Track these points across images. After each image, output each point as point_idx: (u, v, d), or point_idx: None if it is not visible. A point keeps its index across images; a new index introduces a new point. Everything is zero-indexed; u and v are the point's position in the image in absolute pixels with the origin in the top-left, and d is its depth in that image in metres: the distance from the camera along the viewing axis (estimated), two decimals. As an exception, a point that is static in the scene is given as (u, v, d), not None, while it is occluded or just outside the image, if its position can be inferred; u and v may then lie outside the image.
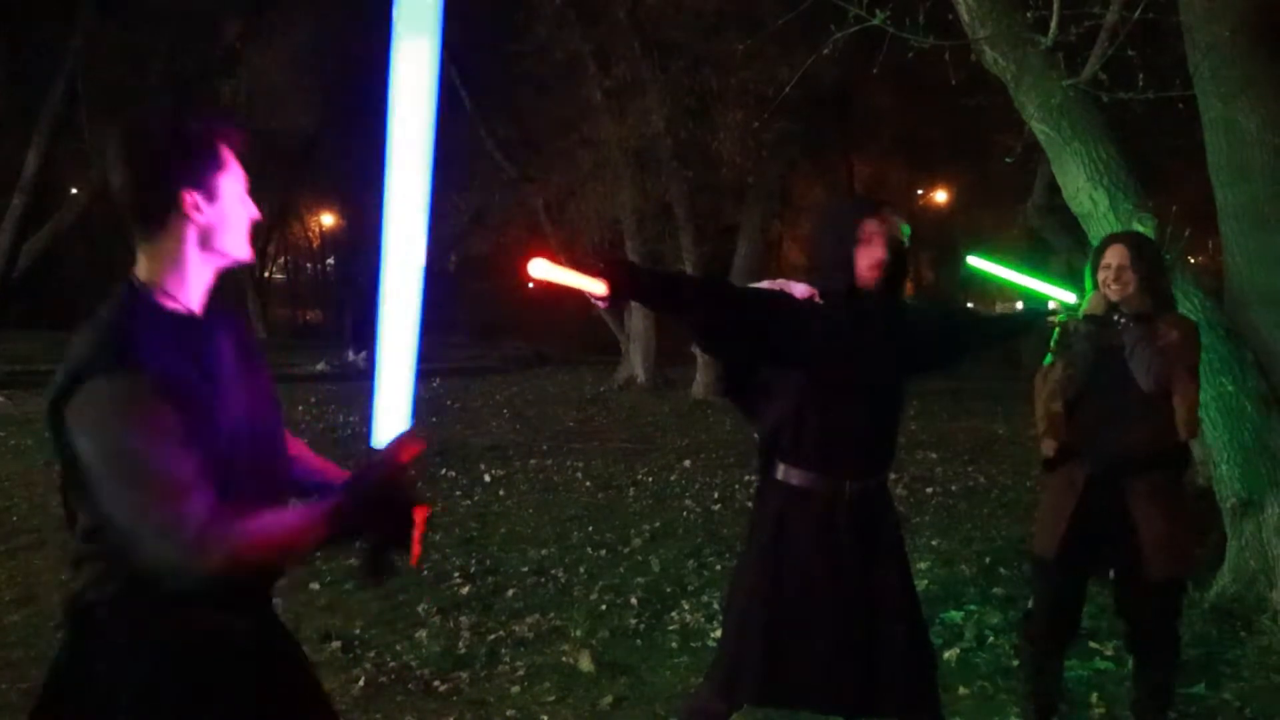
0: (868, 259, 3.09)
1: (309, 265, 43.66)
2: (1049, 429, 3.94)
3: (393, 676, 4.69)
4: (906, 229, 3.16)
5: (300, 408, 13.91)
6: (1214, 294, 5.72)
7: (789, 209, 26.92)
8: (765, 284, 3.26)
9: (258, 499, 1.96)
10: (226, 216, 1.99)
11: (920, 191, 32.75)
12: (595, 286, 2.75)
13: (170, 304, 1.97)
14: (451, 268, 20.60)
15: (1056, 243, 10.59)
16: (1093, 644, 4.97)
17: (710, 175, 14.04)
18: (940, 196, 31.35)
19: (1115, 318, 3.73)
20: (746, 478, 9.29)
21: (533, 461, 10.12)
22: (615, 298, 2.80)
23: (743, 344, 3.16)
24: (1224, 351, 5.34)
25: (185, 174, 1.94)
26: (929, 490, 8.85)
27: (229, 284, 2.12)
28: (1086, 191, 5.45)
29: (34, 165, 17.86)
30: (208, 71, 18.48)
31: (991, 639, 5.12)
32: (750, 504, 3.48)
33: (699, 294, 3.17)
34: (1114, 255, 3.81)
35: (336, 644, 5.06)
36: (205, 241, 1.99)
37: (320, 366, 21.54)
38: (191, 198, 1.95)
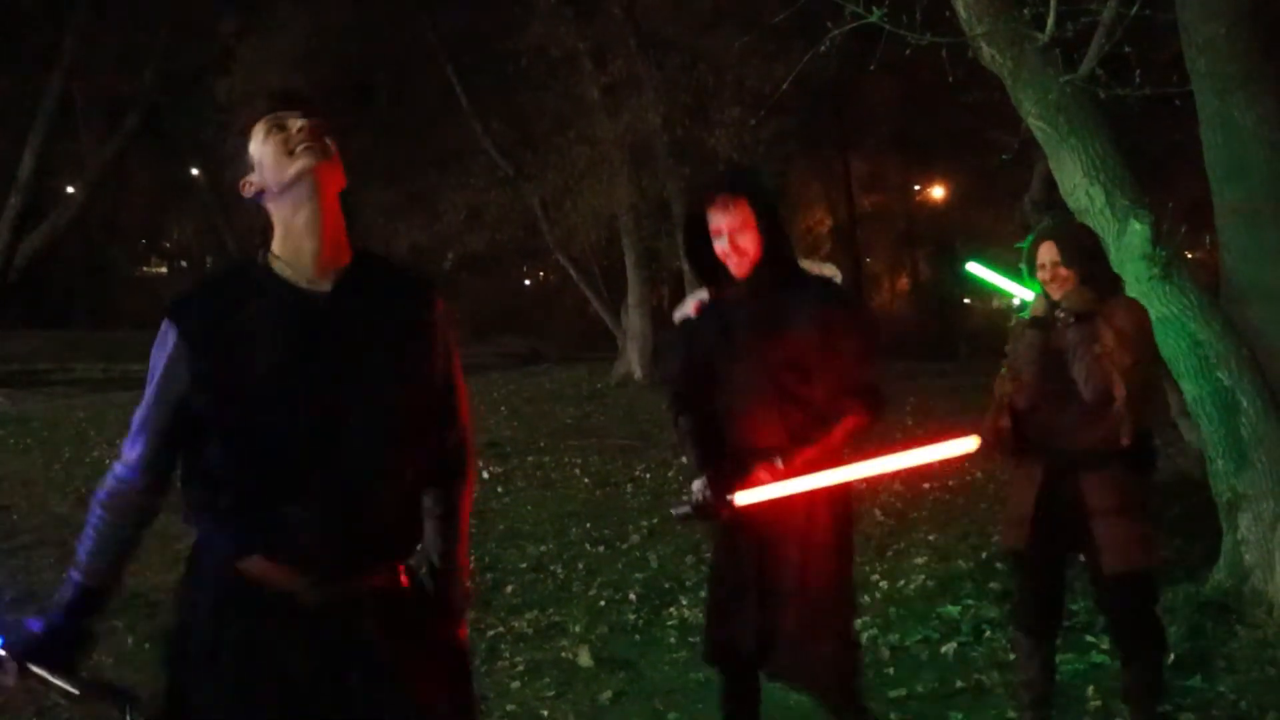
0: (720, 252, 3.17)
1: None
2: (996, 441, 3.96)
3: (392, 672, 4.70)
4: (758, 197, 3.15)
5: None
6: (1210, 289, 5.74)
7: (786, 206, 26.93)
8: (676, 314, 3.39)
9: (294, 501, 2.03)
10: (268, 179, 2.08)
11: (918, 188, 32.82)
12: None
13: (285, 272, 2.09)
14: (448, 266, 20.59)
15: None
16: (1089, 637, 4.98)
17: (707, 172, 14.05)
18: (937, 193, 31.40)
19: (1057, 314, 3.76)
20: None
21: (530, 458, 10.14)
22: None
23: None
24: (1219, 347, 5.35)
25: (234, 165, 2.11)
26: (925, 486, 8.86)
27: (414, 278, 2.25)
28: (1083, 187, 5.46)
29: (29, 165, 17.91)
30: (203, 71, 18.49)
31: (988, 633, 5.13)
32: None
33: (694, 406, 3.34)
34: (1045, 253, 3.82)
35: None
36: (276, 210, 2.10)
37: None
38: (243, 181, 2.10)
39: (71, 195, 19.50)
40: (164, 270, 44.59)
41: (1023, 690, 4.09)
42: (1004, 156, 7.13)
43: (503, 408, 14.24)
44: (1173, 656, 4.69)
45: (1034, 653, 4.02)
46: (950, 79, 6.17)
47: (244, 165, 2.10)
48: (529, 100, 16.24)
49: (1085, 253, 3.85)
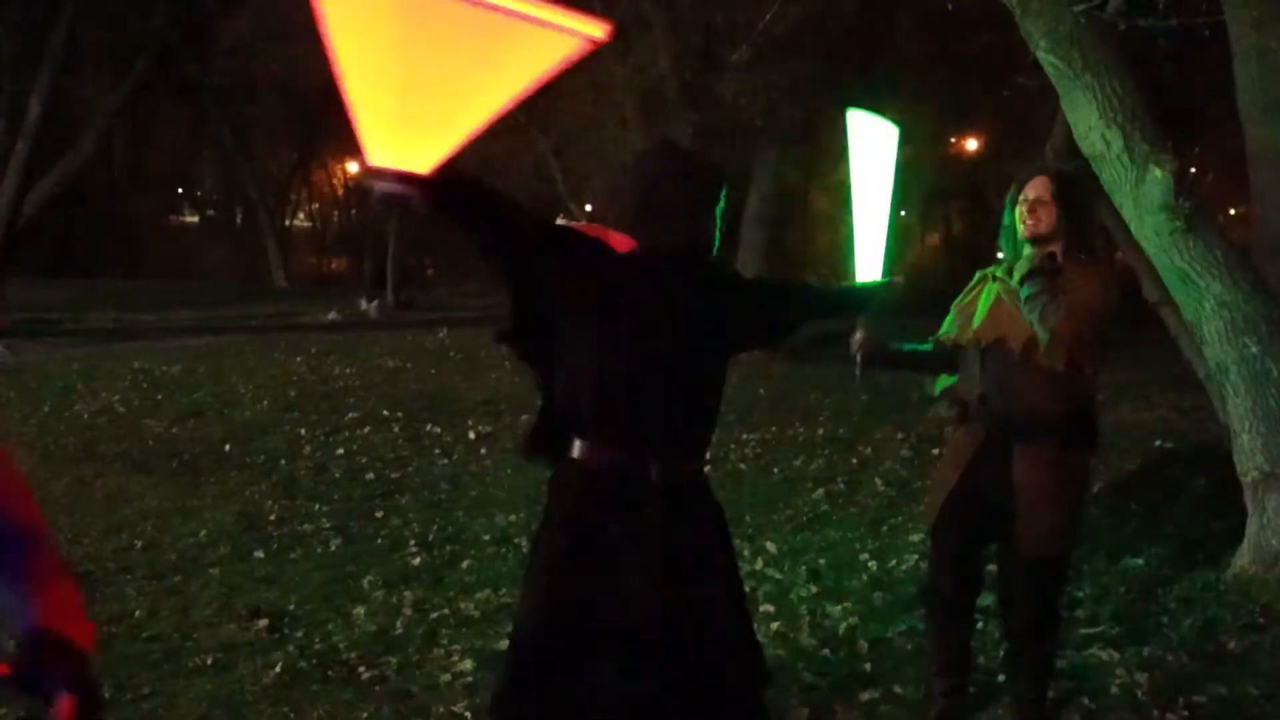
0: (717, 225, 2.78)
1: (335, 213, 43.34)
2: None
3: (315, 661, 4.28)
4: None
5: (299, 358, 13.54)
6: (1242, 246, 5.22)
7: (818, 157, 26.17)
8: (580, 226, 2.82)
9: None
10: None
11: (952, 140, 31.97)
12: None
13: None
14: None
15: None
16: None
17: (718, 118, 13.49)
18: (971, 145, 30.56)
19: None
20: (744, 436, 8.84)
21: (524, 417, 9.63)
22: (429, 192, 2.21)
23: (530, 272, 2.64)
24: (1248, 309, 4.82)
25: None
26: (934, 451, 8.32)
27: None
28: (1099, 130, 4.91)
29: (36, 110, 17.55)
30: (212, 13, 18.07)
31: (982, 624, 4.63)
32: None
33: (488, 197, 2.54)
34: (1034, 188, 3.58)
35: (263, 622, 4.66)
36: None
37: (332, 315, 21.24)
38: None
39: (81, 143, 19.09)
40: (195, 219, 44.43)
41: (933, 679, 3.82)
42: (1006, 93, 6.53)
43: (507, 362, 13.74)
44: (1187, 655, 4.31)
45: (946, 638, 3.79)
46: (950, 9, 5.62)
47: None
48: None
49: (1076, 204, 3.60)
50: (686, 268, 2.69)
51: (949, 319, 3.76)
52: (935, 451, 8.33)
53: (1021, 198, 3.58)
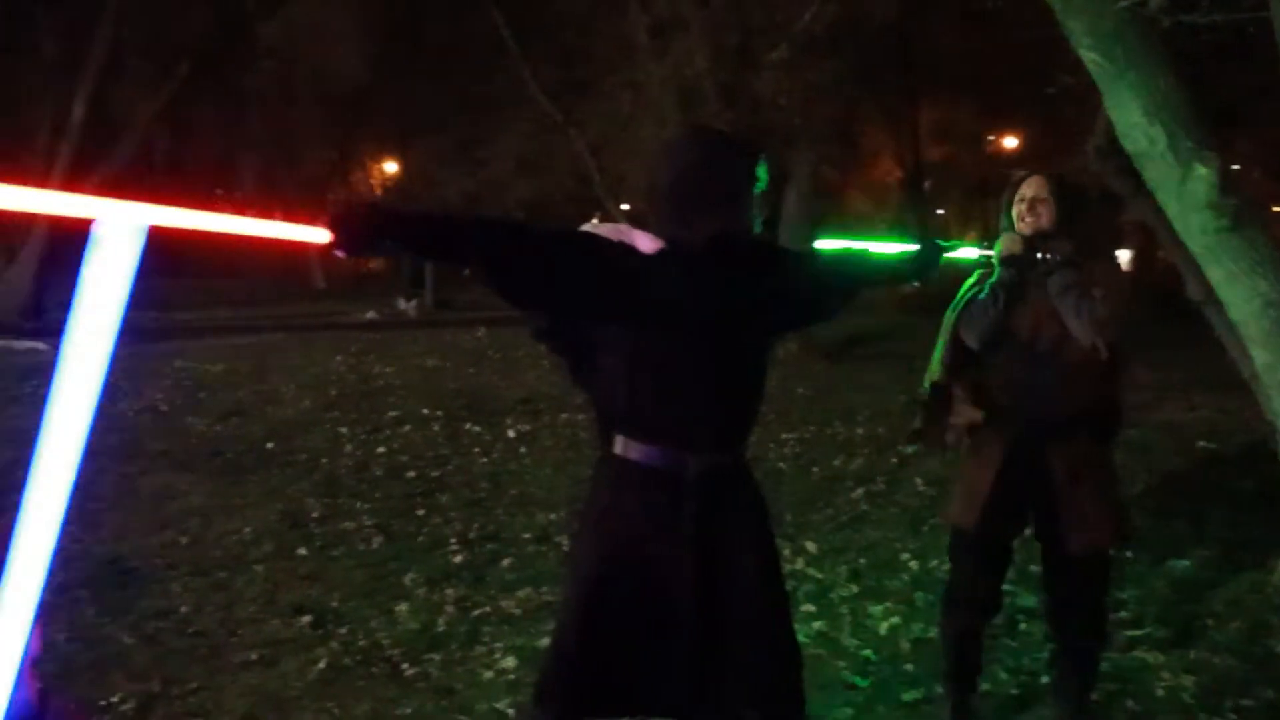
0: (758, 208, 2.68)
1: (372, 213, 43.55)
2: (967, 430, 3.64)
3: (358, 658, 4.32)
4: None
5: (339, 357, 13.64)
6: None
7: (856, 155, 26.07)
8: (605, 229, 2.69)
9: None
10: None
11: (991, 138, 31.77)
12: (317, 236, 2.17)
13: None
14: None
15: (1120, 187, 9.85)
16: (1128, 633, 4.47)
17: (756, 117, 13.41)
18: (1010, 143, 30.35)
19: (1039, 255, 3.48)
20: (783, 435, 8.82)
21: (563, 416, 9.69)
22: (353, 246, 2.27)
23: (554, 296, 2.57)
24: (1296, 306, 4.75)
25: None
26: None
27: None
28: (1142, 128, 4.83)
29: (80, 112, 17.80)
30: (253, 14, 18.22)
31: (1023, 624, 4.62)
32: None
33: (482, 235, 2.49)
34: (1031, 186, 3.58)
35: (307, 619, 4.71)
36: None
37: (370, 315, 21.41)
38: None
39: (123, 143, 19.33)
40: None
41: (947, 681, 3.78)
42: (1049, 90, 6.48)
43: (544, 361, 13.77)
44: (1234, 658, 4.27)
45: (965, 644, 3.72)
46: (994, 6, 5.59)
47: None
48: (577, 44, 15.66)
49: (1075, 202, 3.62)
50: (720, 257, 2.59)
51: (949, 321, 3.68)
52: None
53: (1019, 197, 3.55)
